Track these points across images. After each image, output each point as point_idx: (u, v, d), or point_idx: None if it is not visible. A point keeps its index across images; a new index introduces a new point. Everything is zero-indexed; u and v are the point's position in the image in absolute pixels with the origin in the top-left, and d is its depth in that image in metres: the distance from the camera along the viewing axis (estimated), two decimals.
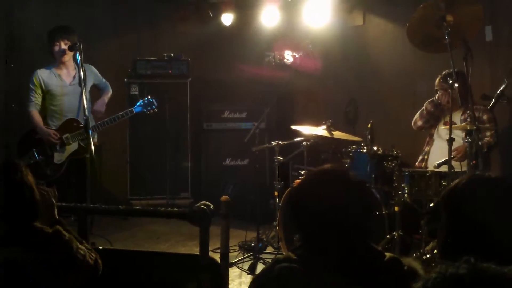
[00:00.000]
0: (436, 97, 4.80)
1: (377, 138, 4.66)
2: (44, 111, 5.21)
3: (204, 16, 6.89)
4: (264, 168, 6.13)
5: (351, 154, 4.66)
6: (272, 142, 4.99)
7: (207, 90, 6.88)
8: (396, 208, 4.27)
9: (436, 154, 4.73)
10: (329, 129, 4.72)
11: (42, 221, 2.19)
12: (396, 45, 6.01)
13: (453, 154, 4.36)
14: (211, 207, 2.41)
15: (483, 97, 4.82)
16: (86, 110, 4.40)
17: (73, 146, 5.12)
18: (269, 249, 4.91)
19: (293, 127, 4.98)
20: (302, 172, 4.92)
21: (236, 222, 4.60)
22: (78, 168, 5.00)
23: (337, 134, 4.77)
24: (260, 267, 4.43)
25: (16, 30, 6.50)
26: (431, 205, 4.12)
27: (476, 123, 3.99)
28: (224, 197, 2.61)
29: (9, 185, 2.10)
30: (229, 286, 3.61)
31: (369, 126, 4.56)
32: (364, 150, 4.57)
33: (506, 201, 1.63)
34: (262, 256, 4.66)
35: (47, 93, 5.19)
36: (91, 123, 4.75)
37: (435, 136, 4.91)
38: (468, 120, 3.98)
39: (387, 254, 1.74)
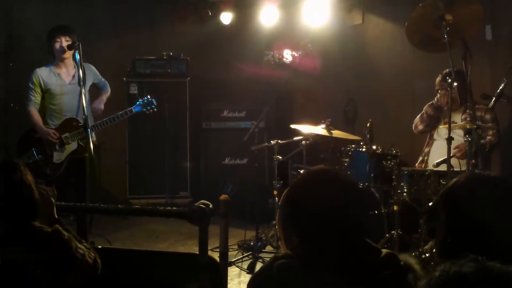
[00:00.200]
0: (435, 99, 4.80)
1: (376, 137, 4.66)
2: (43, 110, 5.21)
3: (203, 15, 6.90)
4: (263, 167, 6.14)
5: (350, 153, 4.66)
6: (271, 141, 4.99)
7: (206, 89, 6.88)
8: (395, 207, 4.27)
9: (436, 153, 4.73)
10: (328, 128, 4.72)
11: (41, 220, 2.19)
12: (395, 44, 6.00)
13: (454, 151, 4.37)
14: (210, 206, 2.41)
15: (483, 96, 4.82)
16: (85, 109, 4.40)
17: (72, 146, 5.12)
18: (268, 248, 4.91)
19: (292, 126, 4.98)
20: (301, 171, 4.92)
21: (235, 221, 4.61)
22: (78, 168, 5.01)
23: (336, 133, 4.77)
24: (259, 266, 4.43)
25: (15, 29, 6.49)
26: (430, 204, 4.12)
27: (479, 122, 3.99)
28: (223, 196, 2.62)
29: (8, 185, 2.10)
30: (228, 285, 3.61)
31: (368, 125, 4.56)
32: (363, 149, 4.57)
33: (504, 200, 1.63)
34: (261, 255, 4.66)
35: (46, 92, 5.18)
36: (91, 122, 4.75)
37: (435, 136, 4.91)
38: (468, 119, 3.98)
39: (384, 251, 1.75)
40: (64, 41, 5.07)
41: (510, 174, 5.12)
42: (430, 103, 4.86)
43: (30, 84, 5.17)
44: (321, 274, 1.64)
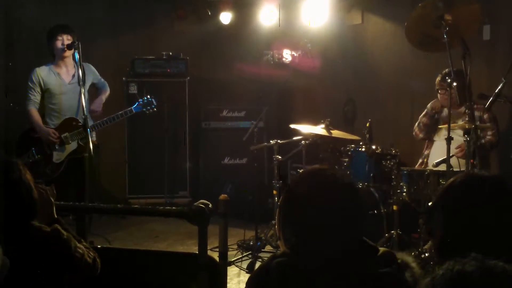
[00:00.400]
0: (429, 107, 4.82)
1: (376, 137, 4.67)
2: (42, 110, 5.20)
3: (202, 15, 6.90)
4: (263, 167, 6.14)
5: (349, 153, 4.67)
6: (271, 141, 4.99)
7: (205, 89, 6.88)
8: (395, 207, 4.28)
9: (437, 154, 4.73)
10: (327, 128, 4.72)
11: (40, 220, 2.19)
12: (395, 44, 6.01)
13: (456, 151, 4.38)
14: (209, 206, 2.41)
15: (481, 96, 4.82)
16: (85, 109, 4.40)
17: (72, 145, 5.11)
18: (268, 248, 4.91)
19: (292, 126, 4.98)
20: (300, 171, 4.92)
21: (234, 221, 4.61)
22: (77, 167, 5.00)
23: (336, 133, 4.77)
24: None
25: (15, 28, 6.49)
26: (429, 204, 4.11)
27: (478, 122, 3.99)
28: (222, 196, 2.61)
29: (7, 184, 2.10)
30: (228, 284, 3.61)
31: (367, 125, 4.57)
32: (363, 149, 4.57)
33: (500, 199, 1.63)
34: (261, 254, 4.66)
35: (46, 92, 5.18)
36: (90, 122, 4.75)
37: (435, 137, 4.91)
38: (467, 119, 3.99)
39: (381, 249, 1.76)
40: (66, 39, 5.07)
41: (508, 173, 5.13)
42: (424, 112, 4.90)
43: (29, 84, 5.16)
44: (320, 273, 1.65)
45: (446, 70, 4.46)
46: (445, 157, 3.99)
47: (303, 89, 6.85)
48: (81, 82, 4.46)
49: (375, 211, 4.46)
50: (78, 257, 2.16)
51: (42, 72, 5.18)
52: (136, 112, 5.24)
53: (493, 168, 4.92)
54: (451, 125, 3.96)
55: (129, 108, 5.22)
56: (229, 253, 3.62)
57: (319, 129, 4.75)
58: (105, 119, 5.11)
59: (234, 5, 6.75)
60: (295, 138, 5.04)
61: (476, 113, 4.37)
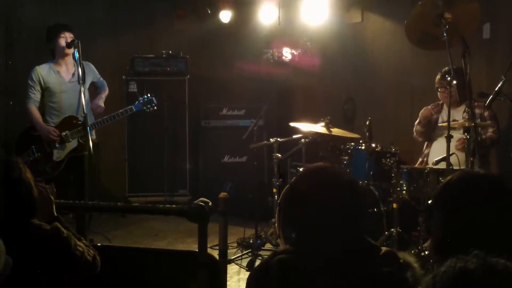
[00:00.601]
0: (421, 115, 4.86)
1: (375, 135, 4.66)
2: (42, 108, 5.20)
3: (202, 13, 6.89)
4: (263, 165, 6.14)
5: (349, 151, 4.66)
6: (271, 139, 5.00)
7: (205, 88, 6.88)
8: (395, 205, 4.28)
9: (437, 152, 4.73)
10: (327, 126, 4.73)
11: (40, 218, 2.19)
12: (395, 42, 6.01)
13: (456, 143, 4.38)
14: (209, 204, 2.41)
15: (481, 94, 4.82)
16: (85, 107, 4.40)
17: (72, 144, 5.11)
18: (268, 246, 4.92)
19: (292, 124, 4.98)
20: (301, 169, 4.93)
21: (234, 219, 4.60)
22: (77, 166, 4.99)
23: (336, 131, 4.77)
24: None
25: (15, 28, 6.48)
26: (429, 202, 4.12)
27: (478, 120, 3.99)
28: (222, 194, 2.61)
29: (7, 182, 2.10)
30: (228, 282, 3.61)
31: (367, 123, 4.57)
32: (363, 147, 4.57)
33: (498, 198, 1.63)
34: (261, 253, 4.66)
35: (46, 90, 5.18)
36: (91, 120, 4.75)
37: (435, 136, 4.91)
38: (466, 117, 3.99)
39: (383, 248, 1.76)
40: (69, 37, 5.08)
41: (508, 172, 5.13)
42: (418, 121, 4.92)
43: (29, 82, 5.16)
44: (320, 271, 1.65)
45: (446, 68, 4.46)
46: (444, 155, 3.99)
47: (303, 88, 6.84)
48: (81, 80, 4.46)
49: (375, 209, 4.46)
50: (78, 255, 2.16)
51: (42, 71, 5.18)
52: (136, 111, 5.24)
53: (493, 166, 4.92)
54: (451, 123, 3.96)
55: (129, 107, 5.22)
56: (229, 251, 3.62)
57: (319, 127, 4.75)
58: (105, 117, 5.11)
59: (234, 4, 6.75)
60: (295, 136, 5.04)
61: (477, 111, 4.38)
